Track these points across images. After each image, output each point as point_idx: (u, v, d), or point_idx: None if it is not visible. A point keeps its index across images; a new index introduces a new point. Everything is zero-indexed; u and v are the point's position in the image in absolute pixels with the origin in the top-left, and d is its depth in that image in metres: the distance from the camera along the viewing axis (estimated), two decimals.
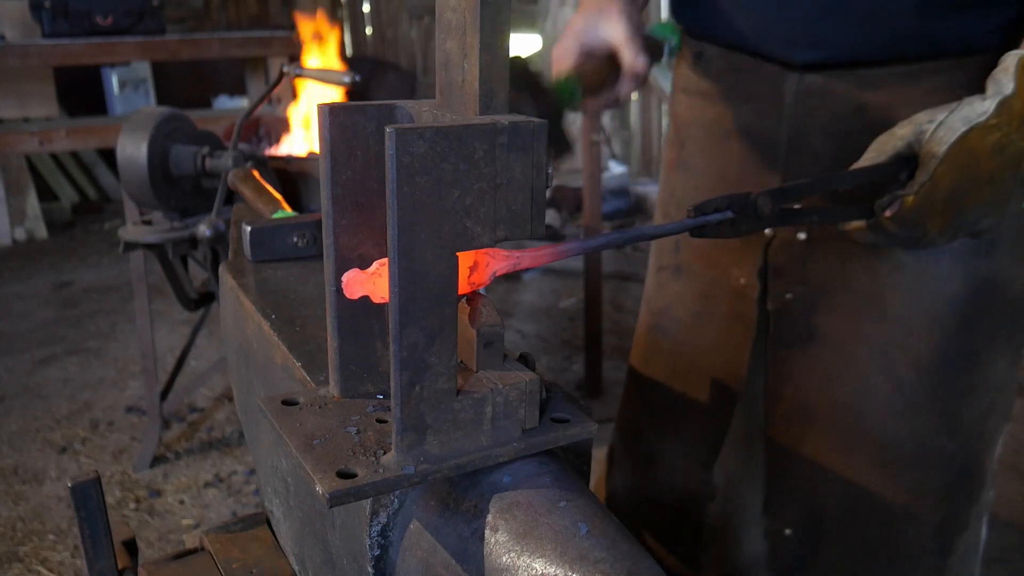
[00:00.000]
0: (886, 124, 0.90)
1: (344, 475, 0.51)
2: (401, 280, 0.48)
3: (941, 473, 1.04)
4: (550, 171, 0.53)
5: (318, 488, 0.50)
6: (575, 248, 0.60)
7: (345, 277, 0.55)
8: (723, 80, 1.10)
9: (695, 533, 1.32)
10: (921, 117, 0.86)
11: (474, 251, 0.52)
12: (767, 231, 1.06)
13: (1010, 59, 0.82)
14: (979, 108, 0.83)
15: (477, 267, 0.54)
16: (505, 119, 0.50)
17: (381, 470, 0.51)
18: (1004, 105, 0.82)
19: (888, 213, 0.86)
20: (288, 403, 0.60)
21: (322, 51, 2.13)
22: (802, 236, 1.04)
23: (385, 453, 0.53)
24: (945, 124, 0.83)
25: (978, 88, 0.84)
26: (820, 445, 1.07)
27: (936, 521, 1.05)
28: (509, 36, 0.51)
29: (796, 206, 0.86)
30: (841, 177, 0.89)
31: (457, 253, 0.50)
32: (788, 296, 1.06)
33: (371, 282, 0.55)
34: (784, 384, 1.09)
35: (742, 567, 1.31)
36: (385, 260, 0.54)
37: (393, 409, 0.51)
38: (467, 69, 0.52)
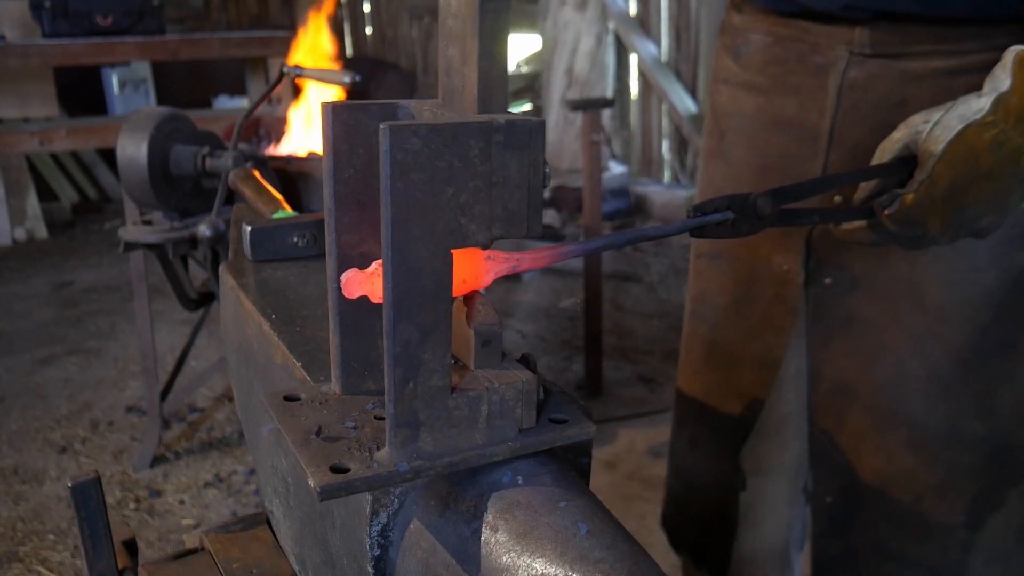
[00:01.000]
0: None
1: (337, 470, 0.51)
2: (395, 276, 0.48)
3: (973, 454, 1.06)
4: (547, 170, 0.53)
5: (310, 481, 0.50)
6: (575, 250, 0.60)
7: (344, 277, 0.55)
8: (766, 73, 1.10)
9: (724, 521, 1.32)
10: (916, 119, 0.86)
11: (474, 252, 0.52)
12: None
13: (1009, 55, 0.82)
14: (975, 105, 0.82)
15: (477, 269, 0.54)
16: (502, 117, 0.50)
17: (374, 465, 0.51)
18: (1000, 102, 0.81)
19: (888, 212, 0.86)
20: (290, 399, 0.60)
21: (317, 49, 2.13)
22: None
23: (380, 449, 0.53)
24: (942, 123, 0.83)
25: None
26: (859, 423, 1.11)
27: (968, 497, 1.07)
28: (507, 42, 0.52)
29: (797, 206, 0.86)
30: (840, 178, 0.89)
31: (452, 251, 0.50)
32: (827, 281, 1.09)
33: (370, 282, 0.55)
34: (826, 365, 1.12)
35: (761, 555, 1.32)
36: None
37: (387, 405, 0.51)
38: (467, 75, 0.52)
